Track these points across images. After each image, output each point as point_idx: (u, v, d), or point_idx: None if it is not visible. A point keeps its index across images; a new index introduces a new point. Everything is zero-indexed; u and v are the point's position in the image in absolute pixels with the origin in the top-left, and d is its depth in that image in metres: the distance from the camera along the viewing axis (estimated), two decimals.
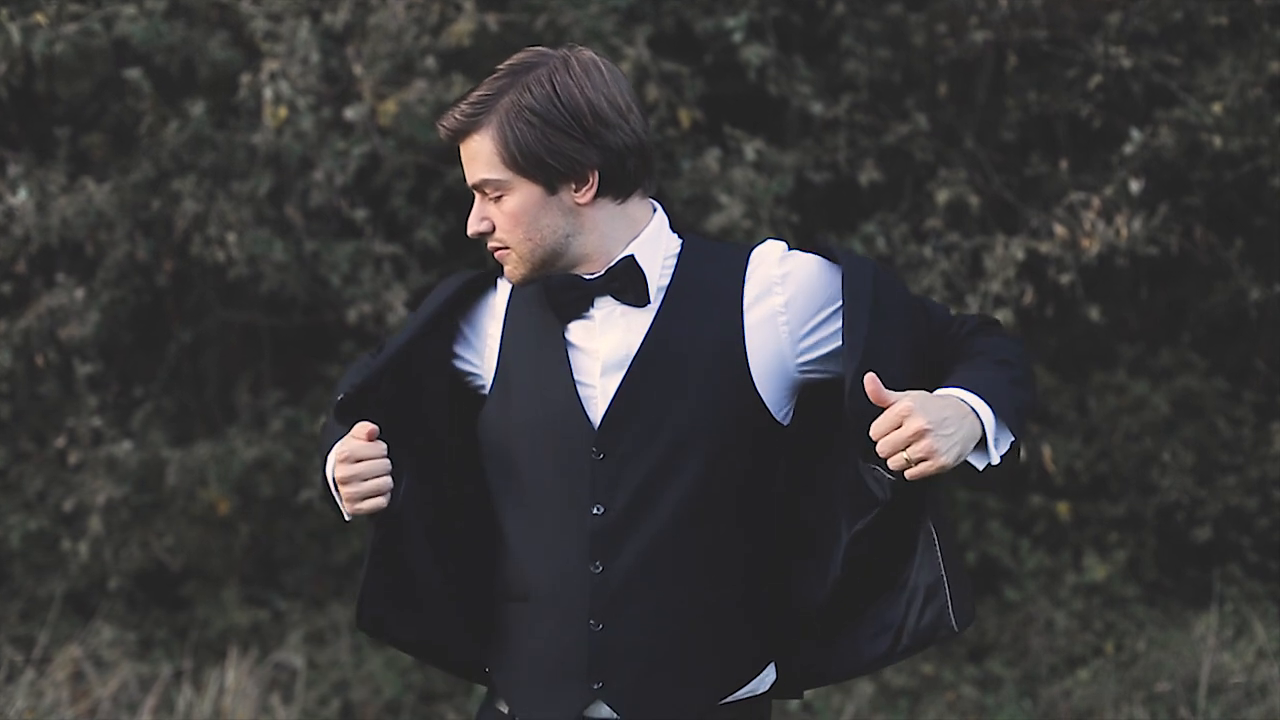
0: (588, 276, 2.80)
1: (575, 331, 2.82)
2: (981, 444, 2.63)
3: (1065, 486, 7.61)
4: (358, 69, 6.71)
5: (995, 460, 2.64)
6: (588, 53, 2.77)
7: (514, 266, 2.81)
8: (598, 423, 2.77)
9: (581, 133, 2.71)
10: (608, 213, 2.78)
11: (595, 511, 2.76)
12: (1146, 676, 6.94)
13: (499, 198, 2.75)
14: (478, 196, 2.80)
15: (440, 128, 2.79)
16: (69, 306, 6.84)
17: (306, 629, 7.21)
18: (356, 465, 2.73)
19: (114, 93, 7.13)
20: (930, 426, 2.53)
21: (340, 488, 2.76)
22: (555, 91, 2.71)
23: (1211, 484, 7.56)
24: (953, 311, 2.97)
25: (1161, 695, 6.83)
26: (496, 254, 2.81)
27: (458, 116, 2.75)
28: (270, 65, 6.59)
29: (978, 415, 2.62)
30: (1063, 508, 7.59)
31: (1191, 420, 7.64)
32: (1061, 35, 7.08)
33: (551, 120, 2.70)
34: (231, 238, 6.72)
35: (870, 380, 2.56)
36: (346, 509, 2.79)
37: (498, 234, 2.78)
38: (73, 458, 7.02)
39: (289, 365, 7.80)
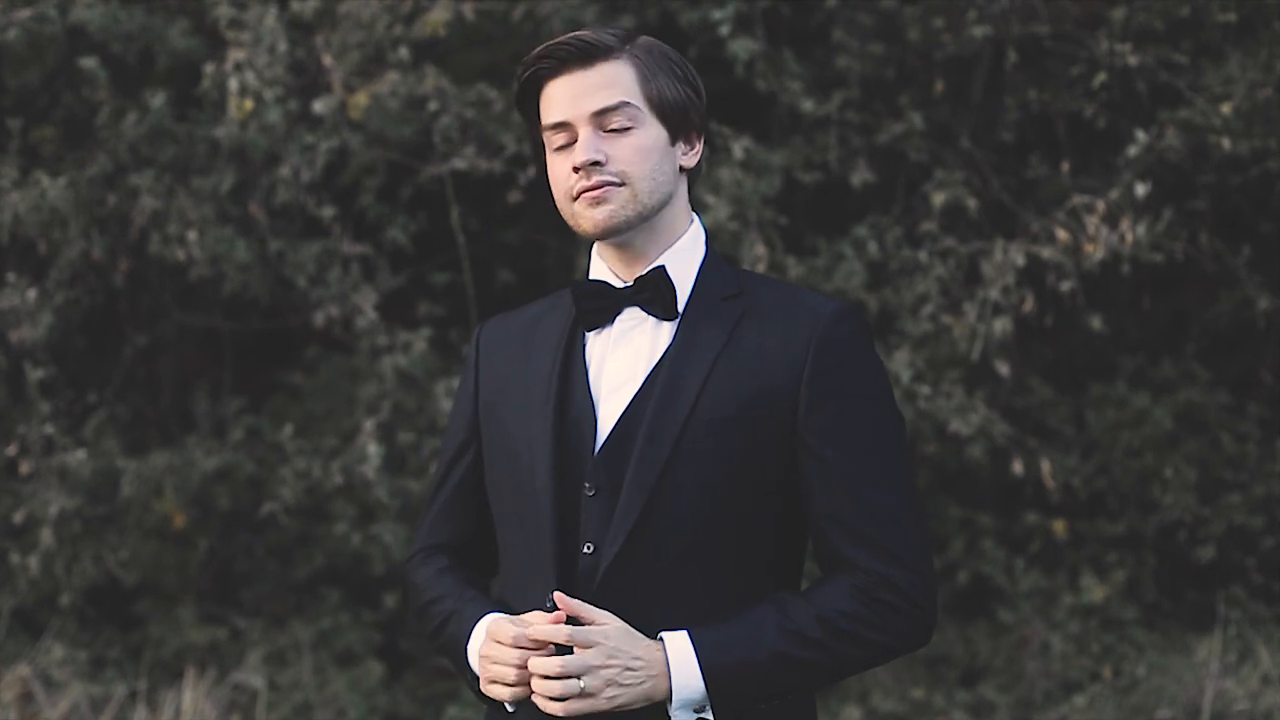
0: (616, 285, 2.69)
1: (591, 343, 2.71)
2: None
3: (1062, 503, 7.58)
4: (327, 59, 6.72)
5: None
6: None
7: (620, 205, 2.63)
8: (597, 448, 2.63)
9: (698, 95, 2.72)
10: (680, 194, 2.72)
11: (585, 550, 2.62)
12: (1146, 703, 6.91)
13: (627, 129, 2.63)
14: (585, 131, 2.62)
15: (560, 47, 2.63)
16: (20, 308, 6.84)
17: (267, 648, 7.18)
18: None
19: (67, 82, 7.22)
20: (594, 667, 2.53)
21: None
22: (675, 52, 2.72)
23: (1215, 502, 7.57)
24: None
25: None
26: (598, 191, 2.63)
27: (591, 39, 2.63)
28: (235, 55, 6.60)
29: (671, 688, 2.53)
30: (1059, 525, 7.57)
31: (1194, 435, 7.65)
32: (1063, 31, 7.13)
33: (682, 75, 2.69)
34: (192, 236, 6.72)
35: (560, 599, 2.53)
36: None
37: (615, 165, 2.62)
38: (23, 467, 7.03)
39: (250, 371, 7.85)
